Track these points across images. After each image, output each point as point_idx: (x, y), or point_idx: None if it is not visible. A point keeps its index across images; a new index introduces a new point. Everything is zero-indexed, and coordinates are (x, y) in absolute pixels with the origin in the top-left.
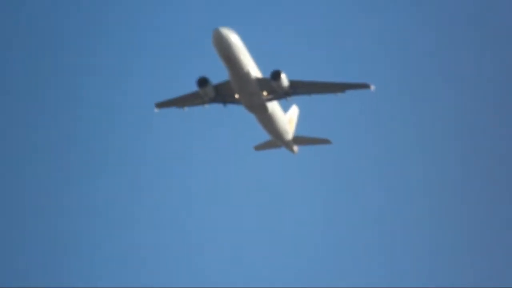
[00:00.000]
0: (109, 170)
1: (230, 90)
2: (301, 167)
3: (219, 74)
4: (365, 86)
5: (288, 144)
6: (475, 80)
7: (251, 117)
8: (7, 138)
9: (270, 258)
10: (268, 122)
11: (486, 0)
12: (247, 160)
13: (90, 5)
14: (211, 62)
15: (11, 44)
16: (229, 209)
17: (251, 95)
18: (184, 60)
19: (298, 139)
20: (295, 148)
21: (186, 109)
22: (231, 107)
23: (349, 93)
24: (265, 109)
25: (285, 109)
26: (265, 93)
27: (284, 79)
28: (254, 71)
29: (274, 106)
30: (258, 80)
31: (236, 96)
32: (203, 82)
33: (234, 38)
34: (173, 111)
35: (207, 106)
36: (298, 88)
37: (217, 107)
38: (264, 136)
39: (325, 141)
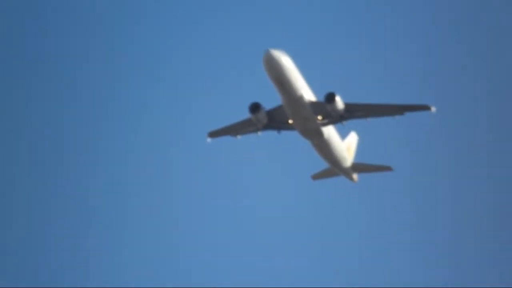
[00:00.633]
0: (164, 200)
1: (283, 115)
2: (362, 196)
3: (271, 99)
4: (425, 108)
5: (347, 172)
6: None
7: (307, 144)
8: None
9: None
10: (324, 148)
11: None
12: (305, 189)
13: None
14: (263, 86)
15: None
16: (288, 241)
17: (305, 120)
18: (235, 85)
19: (357, 166)
20: (355, 176)
21: (239, 137)
22: (285, 133)
23: (409, 115)
24: (320, 134)
25: (343, 135)
26: (319, 117)
27: (339, 102)
28: (308, 95)
29: (330, 131)
30: (312, 104)
31: (290, 121)
32: (255, 108)
33: (285, 61)
34: (226, 139)
35: (260, 133)
36: (354, 112)
37: (271, 134)
38: (321, 163)
39: (386, 168)
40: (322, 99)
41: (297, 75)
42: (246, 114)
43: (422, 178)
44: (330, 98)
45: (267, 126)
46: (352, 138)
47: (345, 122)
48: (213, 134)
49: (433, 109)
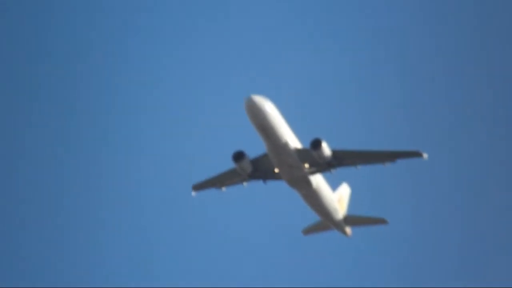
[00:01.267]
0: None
1: (268, 163)
2: (356, 252)
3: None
4: (417, 154)
5: (339, 225)
6: None
7: (295, 195)
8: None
9: None
10: (313, 198)
11: None
12: (295, 244)
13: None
14: (247, 134)
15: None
16: None
17: (291, 168)
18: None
19: (350, 219)
20: (348, 230)
21: (224, 189)
22: (271, 183)
23: (400, 163)
24: (308, 183)
25: (334, 187)
26: (306, 165)
27: (326, 149)
28: (293, 142)
29: (318, 181)
30: (298, 151)
31: (276, 170)
32: (239, 156)
33: (268, 107)
34: (211, 192)
35: (245, 184)
36: (342, 159)
37: (257, 185)
38: (311, 216)
39: (380, 221)
40: (308, 146)
41: (281, 121)
42: (229, 164)
43: (418, 231)
44: (316, 144)
45: (253, 176)
46: (344, 190)
47: (333, 171)
48: (198, 187)
49: (425, 155)
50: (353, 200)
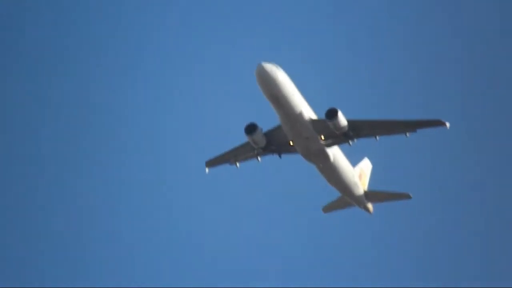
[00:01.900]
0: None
1: (282, 136)
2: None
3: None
4: (439, 123)
5: (360, 201)
6: None
7: (312, 169)
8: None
9: None
10: (331, 173)
11: None
12: (315, 222)
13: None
14: (259, 106)
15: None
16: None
17: (306, 140)
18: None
19: (371, 194)
20: (370, 206)
21: (239, 164)
22: (287, 157)
23: (421, 132)
24: (325, 156)
25: (355, 162)
26: (322, 136)
27: (342, 118)
28: (307, 112)
29: (336, 154)
30: (313, 121)
31: (291, 143)
32: (251, 128)
33: (280, 75)
34: (226, 168)
35: (260, 159)
36: (359, 130)
37: (272, 159)
38: (330, 191)
39: (404, 196)
40: (323, 117)
41: (294, 90)
42: (242, 139)
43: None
44: (332, 114)
45: (266, 150)
46: (365, 165)
47: (352, 142)
48: (211, 163)
49: (448, 124)
50: (374, 176)
